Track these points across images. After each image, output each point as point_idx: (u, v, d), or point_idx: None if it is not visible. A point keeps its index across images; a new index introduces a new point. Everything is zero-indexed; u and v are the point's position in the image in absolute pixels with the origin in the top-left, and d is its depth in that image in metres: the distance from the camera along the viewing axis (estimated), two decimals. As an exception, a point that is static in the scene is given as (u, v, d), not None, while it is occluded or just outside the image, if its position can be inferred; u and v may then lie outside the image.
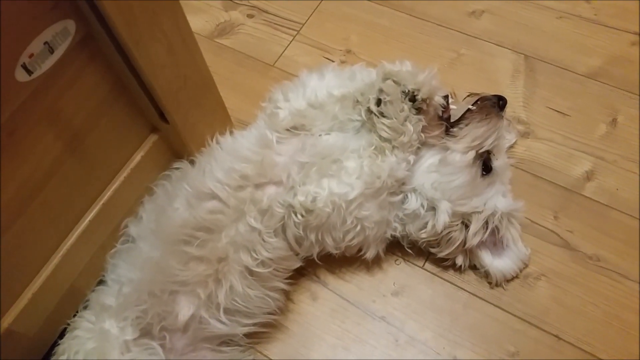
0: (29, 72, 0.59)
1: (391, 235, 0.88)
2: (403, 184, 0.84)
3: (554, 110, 1.07)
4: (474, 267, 0.91)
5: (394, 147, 0.79)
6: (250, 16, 1.25)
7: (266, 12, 1.26)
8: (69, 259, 0.77)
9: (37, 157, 0.67)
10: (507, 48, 1.16)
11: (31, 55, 0.58)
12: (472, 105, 0.88)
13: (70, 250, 0.77)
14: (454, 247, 0.86)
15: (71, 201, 0.75)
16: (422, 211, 0.85)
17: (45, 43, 0.59)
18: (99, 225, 0.80)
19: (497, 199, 0.86)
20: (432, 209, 0.84)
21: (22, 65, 0.57)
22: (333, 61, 1.16)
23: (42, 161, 0.68)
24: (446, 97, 0.85)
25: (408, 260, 0.93)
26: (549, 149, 1.02)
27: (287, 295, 0.88)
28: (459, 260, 0.89)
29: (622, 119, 1.05)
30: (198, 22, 1.24)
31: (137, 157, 0.82)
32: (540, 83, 1.11)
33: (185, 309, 0.75)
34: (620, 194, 0.97)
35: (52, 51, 0.60)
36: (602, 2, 1.21)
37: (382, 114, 0.79)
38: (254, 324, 0.82)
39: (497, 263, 0.88)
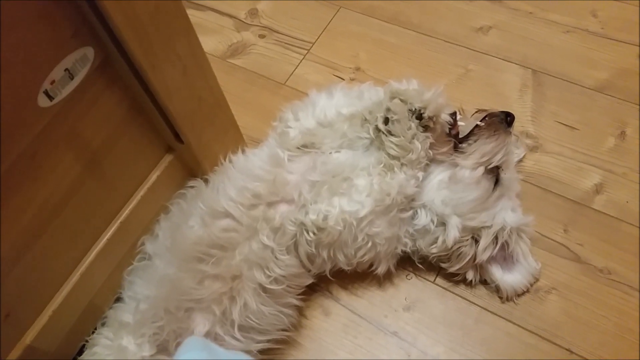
0: (51, 98, 0.61)
1: (402, 251, 0.89)
2: (413, 200, 0.85)
3: (562, 124, 1.08)
4: (484, 282, 0.91)
5: (402, 164, 0.81)
6: (261, 36, 1.28)
7: (277, 32, 1.29)
8: (87, 276, 0.78)
9: (57, 178, 0.69)
10: (514, 63, 1.17)
11: (52, 82, 0.60)
12: (480, 121, 0.89)
13: (89, 268, 0.78)
14: (464, 262, 0.87)
15: (90, 220, 0.78)
16: (432, 227, 0.86)
17: (66, 70, 0.61)
18: (116, 243, 0.82)
19: (507, 213, 0.87)
20: (442, 224, 0.86)
21: (44, 92, 0.60)
22: (343, 79, 1.18)
23: (62, 182, 0.70)
24: (454, 114, 0.86)
25: (419, 275, 0.94)
26: (557, 163, 1.03)
27: (300, 311, 0.89)
28: (470, 275, 0.89)
29: (631, 131, 1.06)
30: (211, 43, 1.27)
31: (154, 176, 0.84)
32: (548, 97, 1.12)
33: (200, 326, 0.77)
34: (630, 206, 0.97)
35: (72, 77, 0.62)
36: (609, 16, 1.22)
37: (390, 132, 0.80)
38: (268, 341, 0.83)
39: (507, 277, 0.88)
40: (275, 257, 0.79)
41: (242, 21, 1.32)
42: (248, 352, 0.81)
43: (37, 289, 0.74)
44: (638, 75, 1.13)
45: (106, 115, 0.71)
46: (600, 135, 1.06)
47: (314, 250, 0.81)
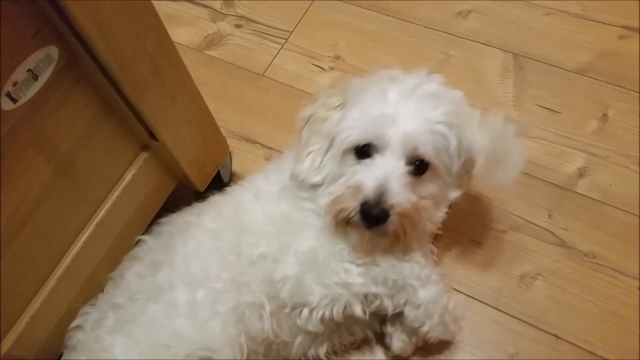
0: (14, 101, 0.59)
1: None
2: None
3: (545, 107, 1.07)
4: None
5: None
6: (238, 26, 1.25)
7: (254, 21, 1.26)
8: (65, 280, 0.77)
9: (28, 182, 0.67)
10: (495, 47, 1.16)
11: (15, 84, 0.58)
12: None
13: (66, 272, 0.76)
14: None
15: (65, 223, 0.75)
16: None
17: (29, 70, 0.59)
18: (93, 245, 0.80)
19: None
20: None
21: (6, 94, 0.57)
22: (323, 68, 1.16)
23: (34, 186, 0.68)
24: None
25: (404, 266, 0.93)
26: (540, 147, 1.03)
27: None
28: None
29: (613, 113, 1.05)
30: (186, 35, 1.24)
31: (129, 175, 0.82)
32: (530, 81, 1.11)
33: None
34: (614, 189, 0.97)
35: (36, 78, 0.60)
36: (589, -3, 1.21)
37: None
38: None
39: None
40: None
41: (218, 11, 1.29)
42: None
43: (13, 296, 0.72)
44: (619, 56, 1.12)
45: (76, 115, 0.69)
46: (582, 118, 1.05)
47: None
